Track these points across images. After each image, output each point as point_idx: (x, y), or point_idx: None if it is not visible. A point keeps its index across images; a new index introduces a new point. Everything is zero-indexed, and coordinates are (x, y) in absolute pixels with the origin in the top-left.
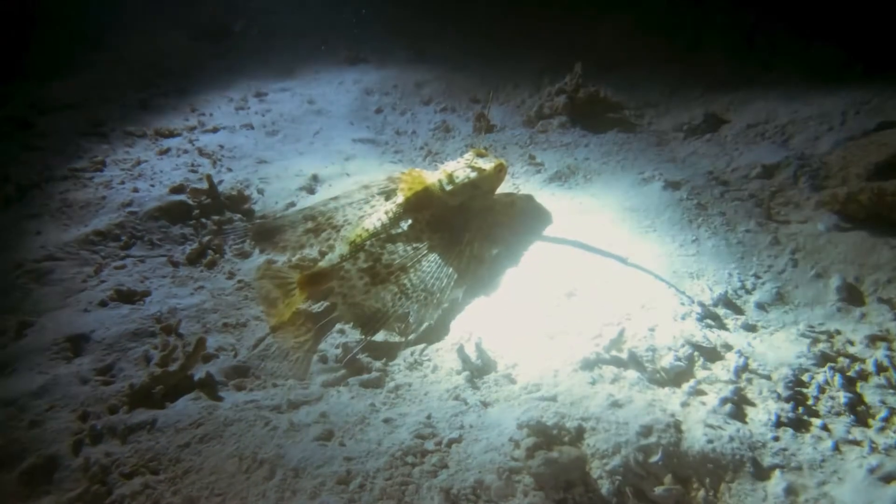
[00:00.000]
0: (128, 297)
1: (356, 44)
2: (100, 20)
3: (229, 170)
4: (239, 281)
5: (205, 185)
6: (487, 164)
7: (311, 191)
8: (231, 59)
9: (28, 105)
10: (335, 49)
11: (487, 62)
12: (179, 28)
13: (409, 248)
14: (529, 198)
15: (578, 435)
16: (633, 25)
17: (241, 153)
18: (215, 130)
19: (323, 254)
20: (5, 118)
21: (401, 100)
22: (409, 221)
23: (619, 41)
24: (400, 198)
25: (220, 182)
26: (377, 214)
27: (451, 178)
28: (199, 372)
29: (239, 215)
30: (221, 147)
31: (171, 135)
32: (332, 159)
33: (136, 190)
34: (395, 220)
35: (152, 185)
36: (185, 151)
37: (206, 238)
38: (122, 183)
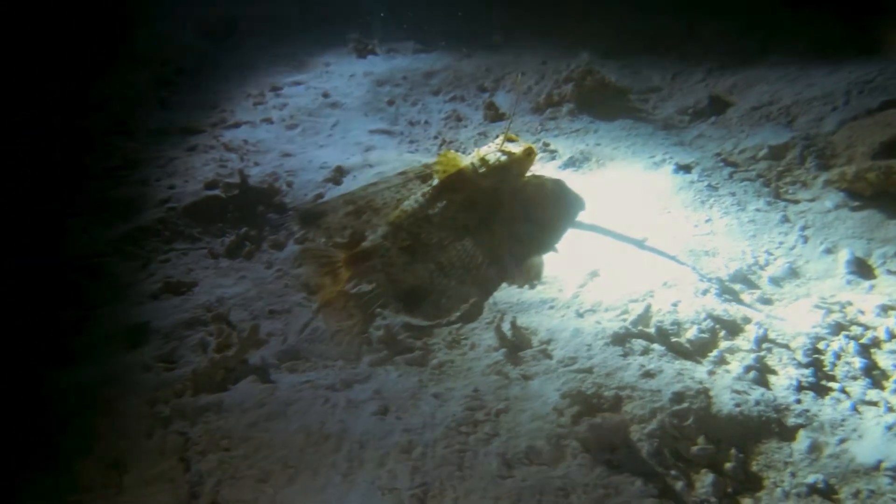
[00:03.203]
0: (176, 288)
1: (364, 36)
2: (112, 18)
3: (256, 164)
4: (278, 270)
5: (236, 180)
6: (517, 149)
7: (338, 182)
8: (241, 53)
9: (54, 104)
10: (342, 39)
11: (492, 51)
12: (187, 24)
13: (444, 227)
14: (558, 181)
15: (616, 402)
16: (632, 11)
17: (265, 147)
18: (237, 125)
19: (354, 237)
20: (29, 119)
21: (411, 90)
22: (444, 203)
23: (618, 27)
24: (435, 180)
25: (249, 176)
26: (414, 196)
27: (483, 161)
28: (255, 357)
29: (272, 208)
30: (246, 142)
31: (197, 131)
32: (352, 151)
33: (171, 186)
34: (432, 201)
35: (186, 181)
36: (212, 147)
37: (243, 230)
38: (158, 180)
